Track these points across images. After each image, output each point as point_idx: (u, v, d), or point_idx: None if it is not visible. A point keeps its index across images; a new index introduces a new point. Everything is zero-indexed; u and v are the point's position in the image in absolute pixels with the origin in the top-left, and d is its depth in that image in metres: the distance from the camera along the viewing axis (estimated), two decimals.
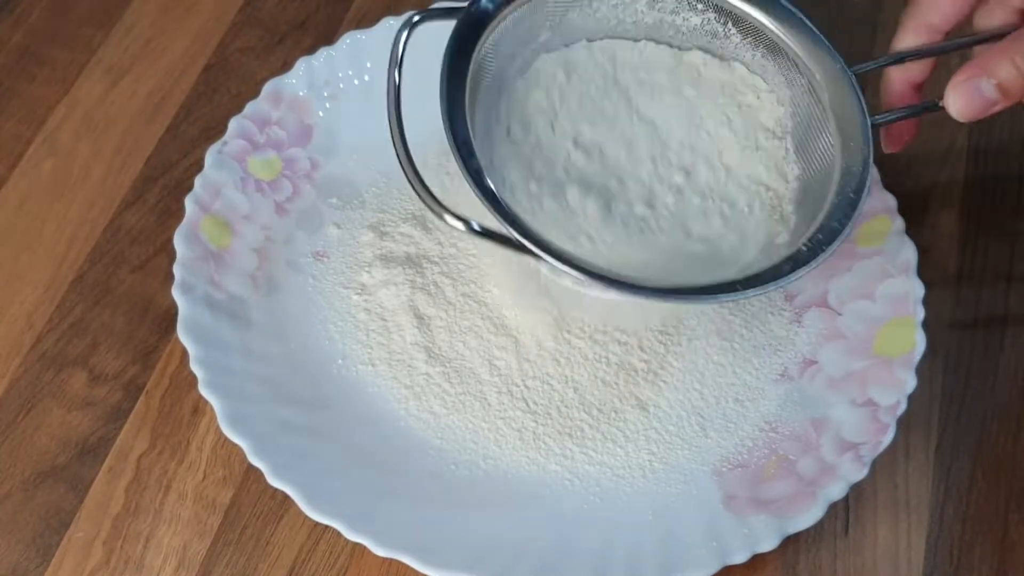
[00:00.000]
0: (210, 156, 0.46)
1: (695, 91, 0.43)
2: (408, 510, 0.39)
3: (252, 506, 0.42)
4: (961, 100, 0.37)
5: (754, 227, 0.41)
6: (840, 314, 0.44)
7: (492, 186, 0.36)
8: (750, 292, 0.36)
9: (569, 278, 0.37)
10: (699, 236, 0.41)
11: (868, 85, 0.42)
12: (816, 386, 0.42)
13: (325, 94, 0.49)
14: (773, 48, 0.42)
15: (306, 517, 0.38)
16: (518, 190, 0.40)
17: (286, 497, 0.38)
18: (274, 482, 0.38)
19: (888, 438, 0.39)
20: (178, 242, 0.43)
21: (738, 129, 0.43)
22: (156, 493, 0.42)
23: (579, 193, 0.41)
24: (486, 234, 0.36)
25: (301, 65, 0.49)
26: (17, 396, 0.44)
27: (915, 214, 0.46)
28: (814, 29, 0.41)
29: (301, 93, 0.49)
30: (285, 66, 0.51)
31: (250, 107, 0.48)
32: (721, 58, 0.43)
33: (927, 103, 0.40)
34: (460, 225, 0.35)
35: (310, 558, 0.41)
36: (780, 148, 0.42)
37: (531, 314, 0.43)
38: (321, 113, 0.49)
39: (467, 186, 0.36)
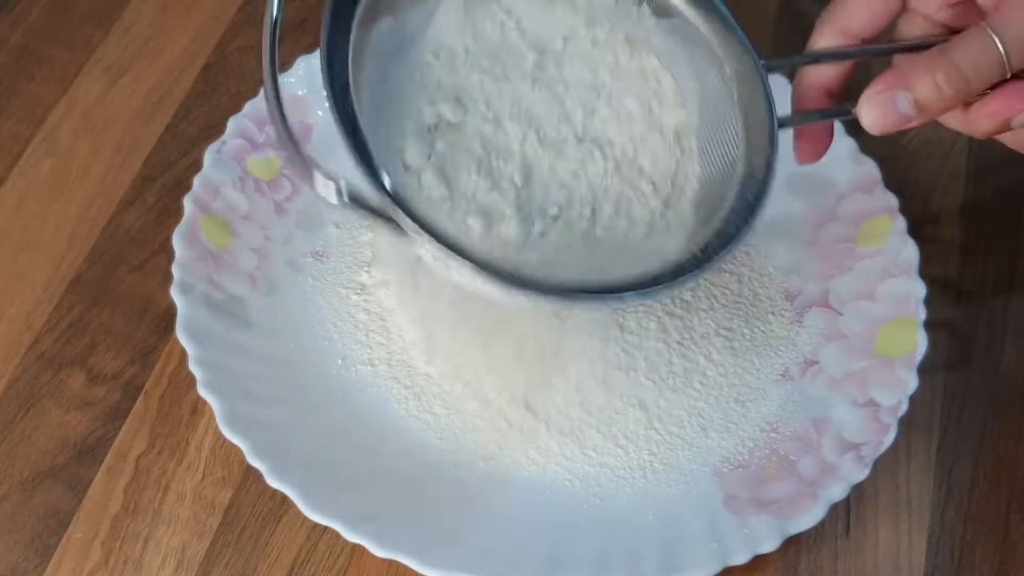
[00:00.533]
0: (209, 155, 0.46)
1: (607, 73, 0.40)
2: (408, 510, 0.39)
3: (251, 507, 0.42)
4: (875, 112, 0.34)
5: (640, 223, 0.39)
6: (841, 314, 0.44)
7: (373, 155, 0.33)
8: (633, 297, 0.34)
9: (456, 270, 0.33)
10: (598, 228, 0.38)
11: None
12: (817, 386, 0.42)
13: (325, 94, 0.49)
14: (687, 36, 0.38)
15: (305, 518, 0.37)
16: (404, 163, 0.37)
17: (285, 498, 0.38)
18: (273, 483, 0.38)
19: (889, 438, 0.39)
20: (177, 242, 0.43)
21: (639, 121, 0.39)
22: (155, 493, 0.42)
23: (473, 172, 0.37)
24: (358, 204, 0.32)
25: (300, 64, 0.49)
26: (15, 396, 0.44)
27: (917, 214, 0.46)
28: (729, 16, 0.38)
29: (300, 92, 0.49)
30: (284, 65, 0.51)
31: (249, 106, 0.48)
32: (632, 42, 0.39)
33: (840, 108, 0.37)
34: (331, 191, 0.32)
35: (309, 559, 0.41)
36: (679, 148, 0.39)
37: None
38: (320, 112, 0.49)
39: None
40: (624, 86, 0.39)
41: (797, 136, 0.38)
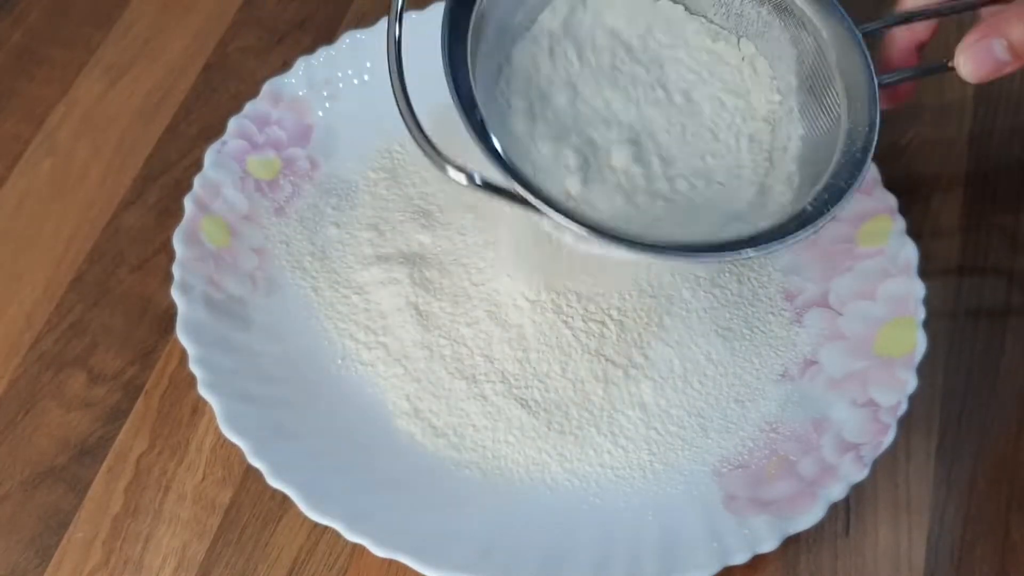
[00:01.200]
0: (209, 156, 0.46)
1: (695, 62, 0.43)
2: (408, 510, 0.39)
3: (251, 507, 0.42)
4: (972, 62, 0.37)
5: (747, 183, 0.41)
6: (841, 314, 0.44)
7: (495, 141, 0.35)
8: (756, 251, 0.35)
9: (572, 234, 0.36)
10: (698, 192, 0.40)
11: (872, 45, 0.41)
12: (817, 386, 0.42)
13: (324, 94, 0.49)
14: (779, 6, 0.41)
15: (306, 518, 0.37)
16: (520, 145, 0.39)
17: (285, 498, 0.38)
18: (273, 482, 0.38)
19: (889, 438, 0.39)
20: (177, 242, 0.43)
21: (731, 107, 0.42)
22: (155, 493, 0.42)
23: (580, 149, 0.40)
24: (488, 187, 0.34)
25: (301, 65, 0.49)
26: (16, 396, 0.44)
27: (916, 214, 0.46)
28: None
29: (301, 93, 0.49)
30: (285, 66, 0.51)
31: (249, 107, 0.48)
32: (726, 16, 0.42)
33: (935, 64, 0.40)
34: (462, 177, 0.34)
35: (310, 559, 0.41)
36: (780, 110, 0.42)
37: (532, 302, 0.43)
38: (320, 113, 0.49)
39: (471, 144, 0.35)
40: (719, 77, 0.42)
41: (884, 88, 0.40)
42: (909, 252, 0.43)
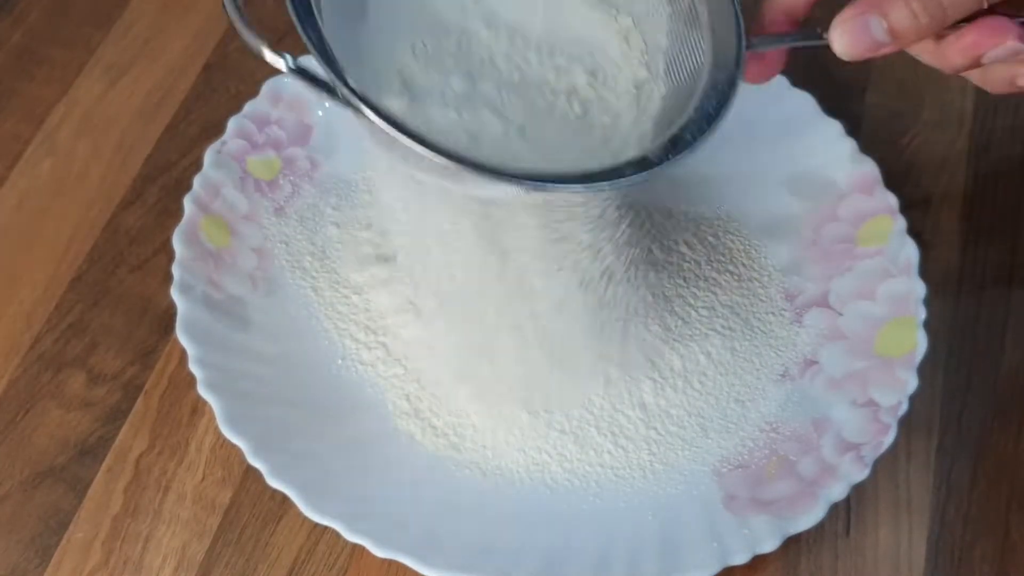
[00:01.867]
0: (209, 156, 0.46)
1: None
2: (408, 510, 0.39)
3: (251, 507, 0.42)
4: (847, 37, 0.34)
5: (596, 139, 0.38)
6: (841, 314, 0.44)
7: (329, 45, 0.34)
8: (584, 187, 0.33)
9: (400, 151, 0.33)
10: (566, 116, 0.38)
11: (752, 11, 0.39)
12: (817, 386, 0.42)
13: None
14: None
15: (305, 518, 0.37)
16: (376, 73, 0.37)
17: (285, 498, 0.38)
18: (273, 483, 0.38)
19: (889, 439, 0.39)
20: (177, 242, 0.43)
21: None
22: (155, 494, 0.42)
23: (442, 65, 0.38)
24: (305, 75, 0.33)
25: (301, 64, 0.49)
26: (16, 396, 0.44)
27: (917, 214, 0.46)
28: None
29: (301, 92, 0.49)
30: None
31: (249, 106, 0.48)
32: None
33: (809, 33, 0.37)
34: (280, 62, 0.33)
35: (309, 559, 0.41)
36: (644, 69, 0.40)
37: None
38: (320, 113, 0.49)
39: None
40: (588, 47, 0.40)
41: (749, 58, 0.38)
42: (909, 252, 0.43)
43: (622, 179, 0.34)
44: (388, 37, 0.38)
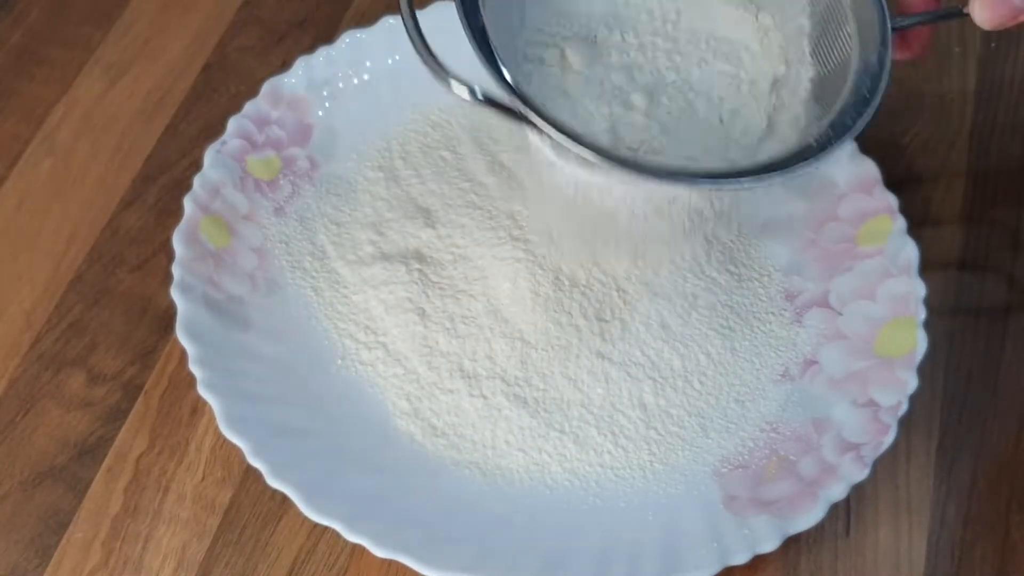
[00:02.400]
0: (209, 155, 0.46)
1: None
2: (408, 510, 0.39)
3: (251, 507, 0.42)
4: (988, 8, 0.36)
5: (753, 124, 0.40)
6: (841, 314, 0.44)
7: (498, 54, 0.35)
8: (753, 181, 0.35)
9: (576, 159, 0.35)
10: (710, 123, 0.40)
11: None
12: (817, 386, 0.42)
13: (324, 93, 0.49)
14: None
15: (305, 518, 0.37)
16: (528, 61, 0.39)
17: (285, 498, 0.38)
18: (273, 483, 0.38)
19: (889, 439, 0.39)
20: (177, 242, 0.43)
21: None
22: (155, 494, 0.42)
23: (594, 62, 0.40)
24: (490, 103, 0.34)
25: (300, 64, 0.49)
26: (16, 396, 0.44)
27: (917, 214, 0.46)
28: None
29: (300, 92, 0.49)
30: (284, 65, 0.51)
31: (249, 106, 0.48)
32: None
33: (950, 9, 0.38)
34: (464, 91, 0.34)
35: (309, 559, 0.41)
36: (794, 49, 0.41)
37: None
38: (320, 112, 0.49)
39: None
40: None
41: (899, 35, 0.39)
42: (910, 252, 0.43)
43: (791, 168, 0.35)
44: (545, 32, 0.40)
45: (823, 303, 0.44)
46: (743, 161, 0.39)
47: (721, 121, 0.40)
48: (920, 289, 0.42)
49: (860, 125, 0.36)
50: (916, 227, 0.44)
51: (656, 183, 0.35)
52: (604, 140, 0.38)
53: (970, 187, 0.49)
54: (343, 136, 0.49)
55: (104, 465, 0.43)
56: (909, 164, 0.50)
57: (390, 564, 0.40)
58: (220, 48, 0.55)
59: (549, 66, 0.40)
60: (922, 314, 0.42)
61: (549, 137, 0.34)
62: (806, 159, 0.35)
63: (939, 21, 0.39)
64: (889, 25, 0.38)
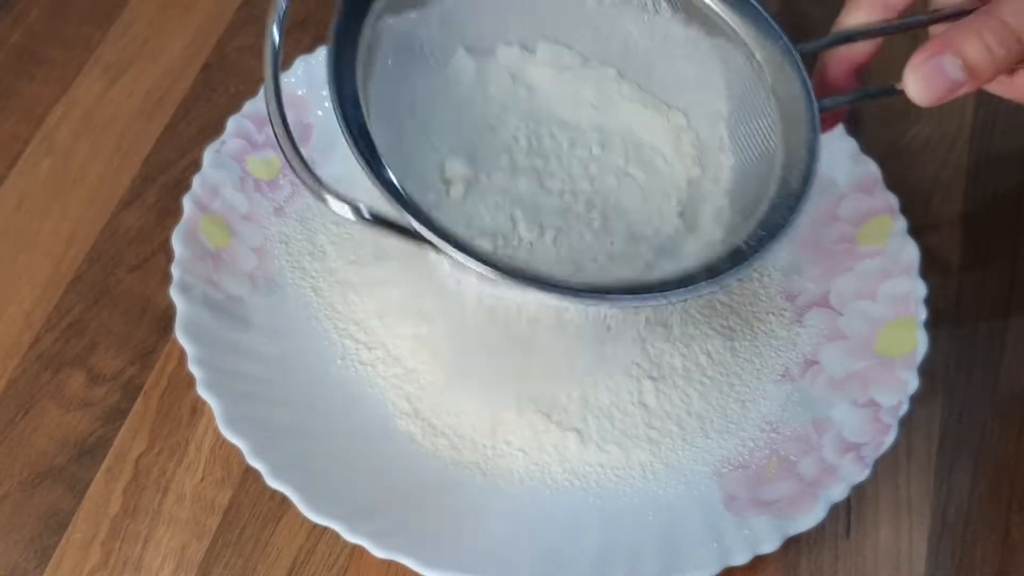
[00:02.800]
0: (208, 155, 0.46)
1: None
2: (408, 511, 0.39)
3: (251, 507, 0.42)
4: (923, 82, 0.33)
5: (668, 220, 0.39)
6: (841, 314, 0.44)
7: (390, 173, 0.33)
8: (682, 293, 0.32)
9: (476, 275, 0.33)
10: (622, 229, 0.38)
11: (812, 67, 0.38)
12: (817, 386, 0.42)
13: (324, 93, 0.49)
14: (708, 22, 0.38)
15: (305, 518, 0.37)
16: (423, 179, 0.37)
17: (285, 498, 0.38)
18: (273, 483, 0.38)
19: (890, 439, 0.39)
20: (176, 242, 0.43)
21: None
22: (154, 494, 0.42)
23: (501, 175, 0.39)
24: (378, 221, 0.32)
25: (300, 64, 0.49)
26: (15, 396, 0.44)
27: (917, 214, 0.46)
28: (755, 4, 0.37)
29: (300, 92, 0.49)
30: (284, 65, 0.51)
31: (249, 106, 0.48)
32: (650, 35, 0.39)
33: (883, 87, 0.36)
34: (346, 210, 0.32)
35: (309, 559, 0.41)
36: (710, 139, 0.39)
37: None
38: (320, 112, 0.49)
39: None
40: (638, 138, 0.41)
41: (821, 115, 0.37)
42: (910, 252, 0.43)
43: (722, 275, 0.32)
44: (433, 141, 0.39)
45: (823, 303, 0.44)
46: (666, 263, 0.36)
47: (630, 229, 0.38)
48: (921, 289, 0.42)
49: (792, 223, 0.33)
50: (916, 227, 0.44)
51: (568, 302, 0.32)
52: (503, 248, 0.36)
53: (970, 187, 0.49)
54: (343, 136, 0.49)
55: (104, 465, 0.43)
56: (909, 164, 0.50)
57: (390, 564, 0.40)
58: (219, 48, 0.55)
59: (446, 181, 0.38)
60: (923, 314, 0.42)
61: (452, 258, 0.32)
62: (738, 264, 0.33)
63: (870, 99, 0.37)
64: (816, 109, 0.35)
